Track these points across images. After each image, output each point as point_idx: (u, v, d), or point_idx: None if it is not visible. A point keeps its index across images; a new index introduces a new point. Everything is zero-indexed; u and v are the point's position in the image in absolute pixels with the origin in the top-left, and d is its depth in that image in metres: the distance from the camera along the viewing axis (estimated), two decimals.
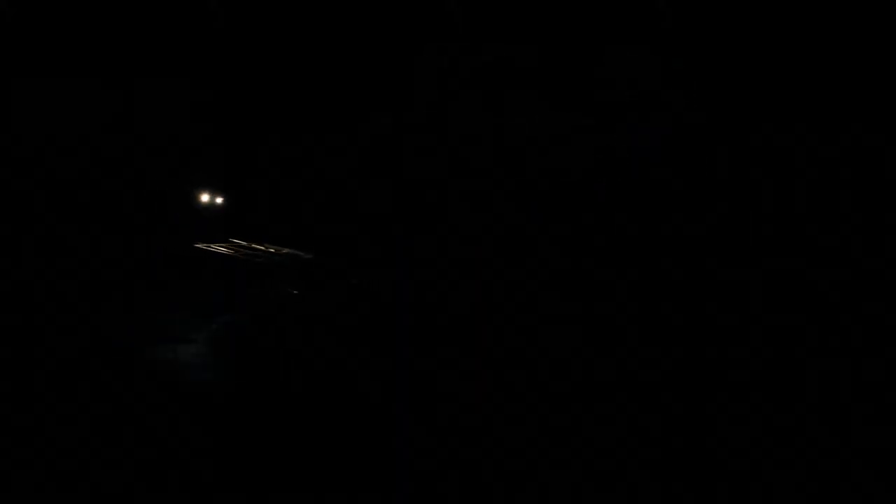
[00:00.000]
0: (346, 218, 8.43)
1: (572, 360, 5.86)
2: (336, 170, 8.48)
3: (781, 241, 6.71)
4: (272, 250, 8.41)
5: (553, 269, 7.64)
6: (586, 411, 5.23)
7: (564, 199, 7.77)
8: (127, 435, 3.77)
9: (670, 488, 4.31)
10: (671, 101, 7.30)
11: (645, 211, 7.45)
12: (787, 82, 6.94)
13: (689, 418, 5.05)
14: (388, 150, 8.37)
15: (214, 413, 4.19)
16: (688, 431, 4.92)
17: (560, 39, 7.73)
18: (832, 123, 6.97)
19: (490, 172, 7.96)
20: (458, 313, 6.68)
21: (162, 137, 8.57)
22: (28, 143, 7.64)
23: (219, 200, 9.00)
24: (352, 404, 4.51)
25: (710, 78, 7.17)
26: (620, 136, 7.47)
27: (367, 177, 8.44)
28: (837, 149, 7.00)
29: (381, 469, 3.75)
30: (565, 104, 7.75)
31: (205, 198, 8.91)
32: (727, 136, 7.22)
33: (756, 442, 4.87)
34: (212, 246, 8.34)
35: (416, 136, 8.43)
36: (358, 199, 8.23)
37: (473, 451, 4.47)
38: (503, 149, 7.97)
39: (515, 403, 5.30)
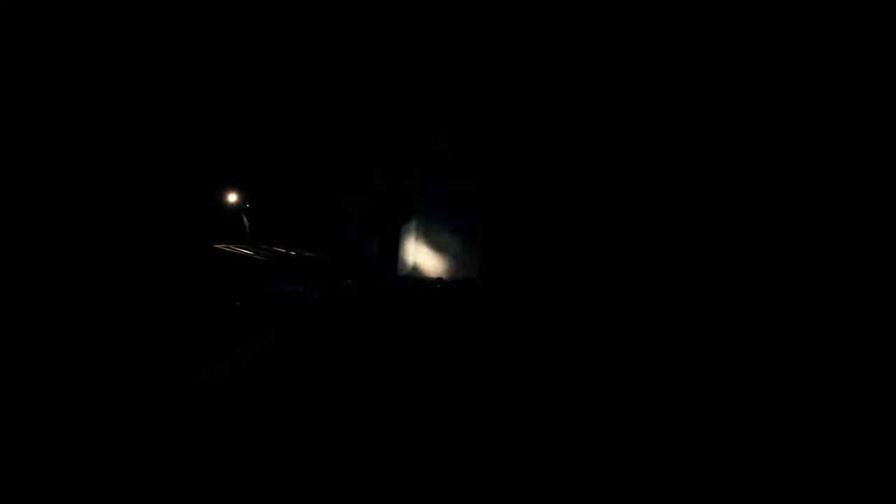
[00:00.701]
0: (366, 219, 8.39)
1: None
2: (354, 171, 8.46)
3: None
4: (293, 253, 8.26)
5: None
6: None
7: None
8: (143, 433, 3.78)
9: None
10: None
11: None
12: None
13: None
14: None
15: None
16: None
17: None
18: None
19: None
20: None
21: (177, 137, 8.46)
22: (34, 141, 7.40)
23: (236, 200, 8.95)
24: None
25: None
26: None
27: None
28: None
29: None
30: None
31: (229, 198, 8.87)
32: None
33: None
34: (231, 247, 8.14)
35: None
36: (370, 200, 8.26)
37: None
38: None
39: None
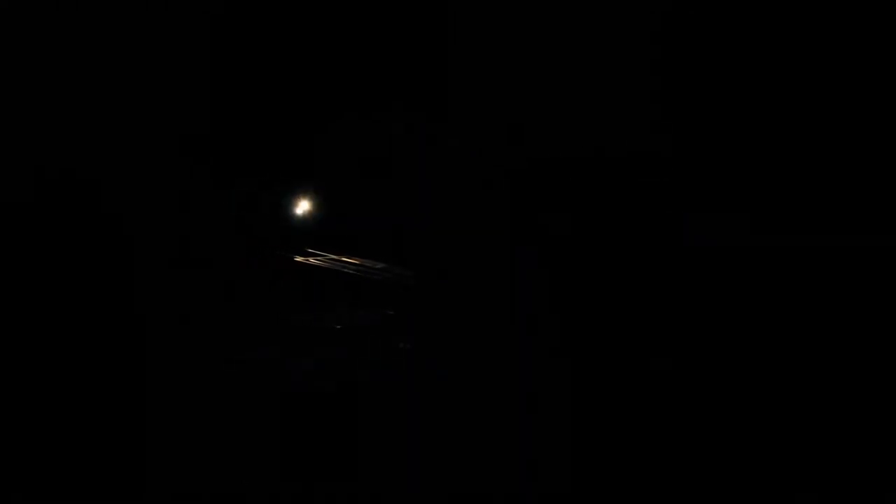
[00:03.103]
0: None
1: None
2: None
3: None
4: (368, 265, 8.12)
5: None
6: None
7: None
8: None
9: None
10: None
11: None
12: None
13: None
14: None
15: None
16: None
17: None
18: None
19: None
20: None
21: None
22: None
23: (305, 206, 8.64)
24: None
25: None
26: None
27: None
28: None
29: None
30: None
31: (300, 204, 8.60)
32: None
33: None
34: (310, 259, 8.09)
35: None
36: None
37: None
38: None
39: None
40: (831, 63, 5.75)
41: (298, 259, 8.25)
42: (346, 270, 7.99)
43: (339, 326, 7.29)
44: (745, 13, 6.28)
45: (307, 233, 8.75)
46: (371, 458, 4.70)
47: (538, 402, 5.50)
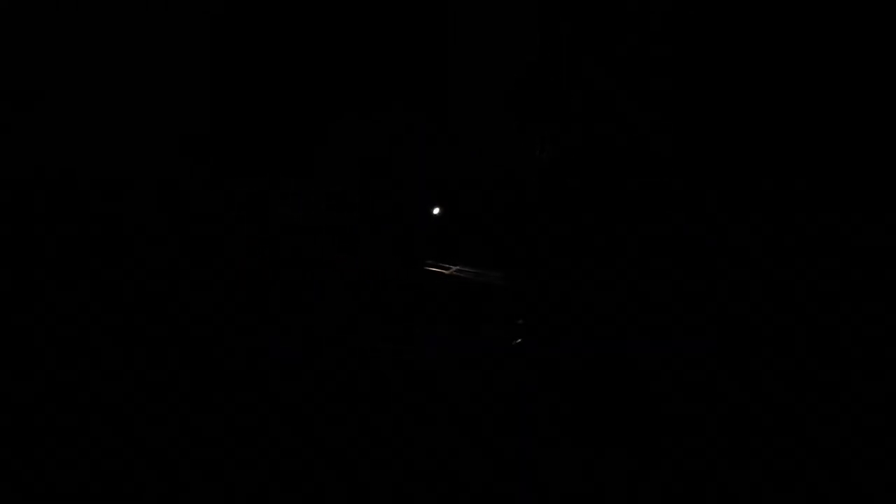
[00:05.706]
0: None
1: None
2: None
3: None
4: (497, 274, 7.81)
5: None
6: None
7: None
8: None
9: None
10: None
11: None
12: None
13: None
14: None
15: None
16: None
17: None
18: None
19: None
20: None
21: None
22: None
23: (436, 211, 8.13)
24: None
25: None
26: None
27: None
28: None
29: None
30: None
31: (435, 210, 8.03)
32: None
33: None
34: (449, 268, 7.67)
35: None
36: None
37: None
38: None
39: None
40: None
41: (434, 269, 8.39)
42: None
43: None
44: None
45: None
46: None
47: None
